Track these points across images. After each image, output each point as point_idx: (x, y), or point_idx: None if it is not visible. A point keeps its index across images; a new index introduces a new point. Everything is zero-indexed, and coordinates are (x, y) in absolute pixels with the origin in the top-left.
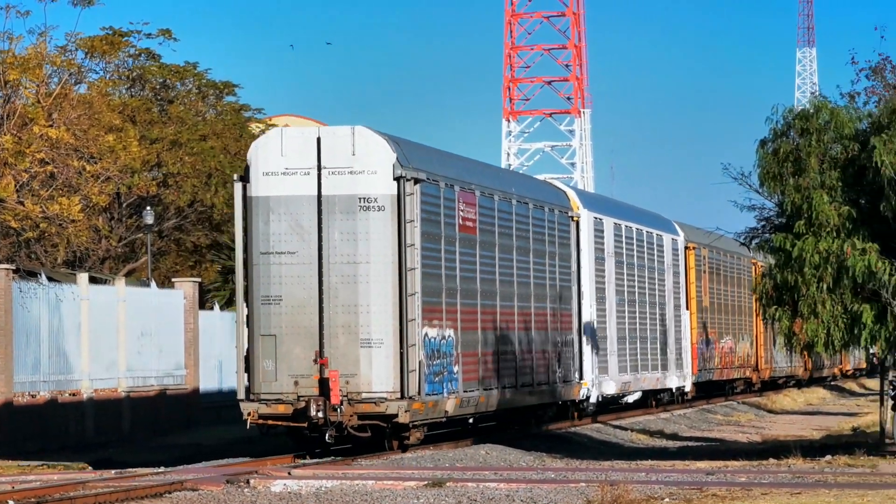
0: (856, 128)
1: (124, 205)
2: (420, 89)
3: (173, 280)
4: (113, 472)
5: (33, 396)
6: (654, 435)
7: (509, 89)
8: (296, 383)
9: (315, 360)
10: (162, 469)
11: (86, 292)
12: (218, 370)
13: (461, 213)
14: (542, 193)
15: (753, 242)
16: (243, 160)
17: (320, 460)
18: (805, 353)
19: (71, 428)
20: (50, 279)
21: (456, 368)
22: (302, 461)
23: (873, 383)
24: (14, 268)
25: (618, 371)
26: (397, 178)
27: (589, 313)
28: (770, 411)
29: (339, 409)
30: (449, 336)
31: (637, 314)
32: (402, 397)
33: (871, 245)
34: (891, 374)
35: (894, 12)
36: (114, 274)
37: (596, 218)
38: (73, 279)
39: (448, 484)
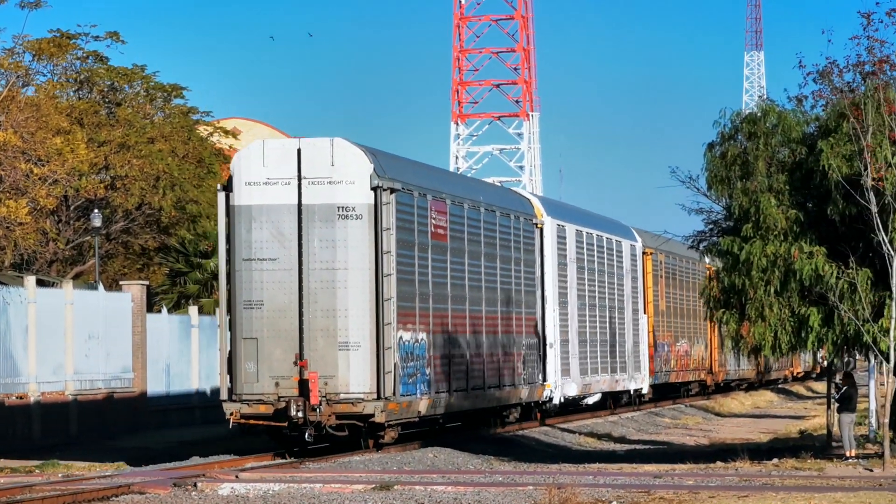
0: (803, 131)
1: (72, 207)
2: (369, 92)
3: (121, 283)
4: (60, 475)
5: None
6: (602, 438)
7: (458, 92)
8: (276, 384)
9: (295, 363)
10: (109, 472)
11: (33, 295)
12: (165, 373)
13: (433, 221)
14: (508, 201)
15: (701, 246)
16: (192, 163)
17: (269, 463)
18: (758, 356)
19: (18, 431)
20: None
21: (428, 370)
22: (250, 465)
23: (820, 386)
24: None
25: (579, 373)
26: (374, 188)
27: (552, 317)
28: (718, 414)
29: (318, 410)
30: (422, 339)
31: (597, 318)
32: (379, 398)
33: (819, 248)
34: (837, 377)
35: (841, 16)
36: (61, 277)
37: (559, 225)
38: (20, 282)
39: (396, 487)
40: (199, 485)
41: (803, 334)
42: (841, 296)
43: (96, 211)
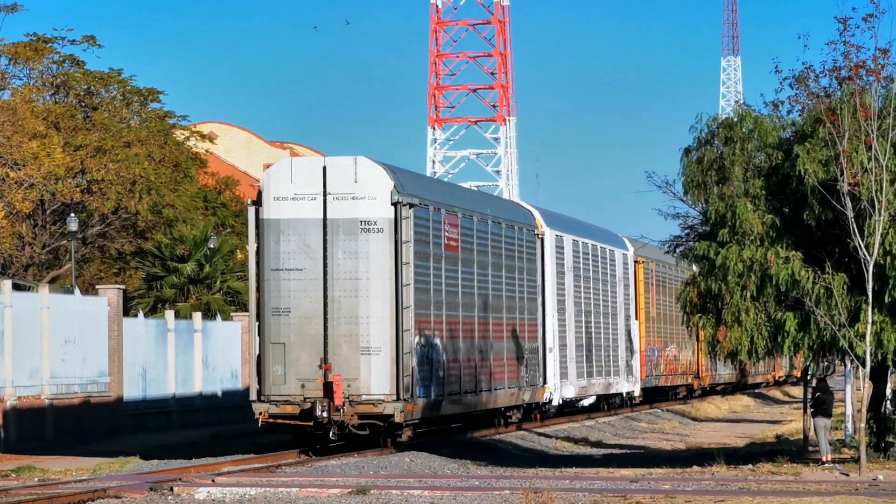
0: (779, 136)
1: (48, 211)
2: (345, 95)
3: (97, 287)
4: (36, 479)
5: None
6: (578, 442)
7: (434, 97)
8: (302, 386)
9: (320, 366)
10: (85, 476)
11: (9, 299)
12: (142, 377)
13: (446, 233)
14: (511, 213)
15: (677, 251)
16: (168, 167)
17: (246, 467)
18: (734, 360)
19: None
20: None
21: (442, 373)
22: (226, 469)
23: (797, 391)
24: None
25: (576, 376)
26: (394, 203)
27: (552, 323)
28: (695, 419)
29: (341, 410)
30: (436, 344)
31: (593, 324)
32: (398, 399)
33: (795, 253)
34: (814, 382)
35: (817, 21)
36: (37, 281)
37: (557, 235)
38: None
39: (372, 491)
40: (175, 489)
41: (779, 339)
42: (817, 300)
43: (72, 215)
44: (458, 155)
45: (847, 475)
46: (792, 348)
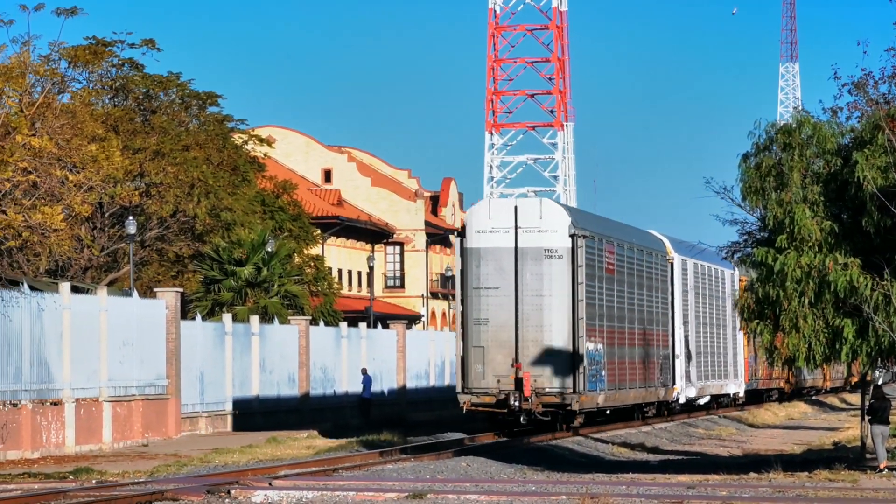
0: (838, 143)
1: (107, 214)
2: (404, 100)
3: (155, 290)
4: (94, 481)
5: (15, 405)
6: (634, 448)
7: (492, 102)
8: (498, 381)
9: (512, 365)
10: (143, 479)
11: (68, 301)
12: (199, 381)
13: (606, 259)
14: (649, 242)
15: (735, 256)
16: (226, 171)
17: (302, 470)
18: (824, 366)
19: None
20: (32, 288)
21: (604, 372)
22: (283, 472)
23: (854, 398)
24: None
25: (696, 379)
26: (571, 236)
27: (679, 334)
28: (751, 425)
29: (529, 400)
30: (599, 349)
31: (708, 334)
32: (574, 392)
33: (853, 260)
34: (871, 389)
35: (876, 27)
36: (96, 283)
37: (683, 260)
38: (55, 288)
39: (429, 496)
40: (232, 492)
41: (837, 346)
42: (875, 307)
43: (131, 218)
44: (516, 160)
45: None
46: (850, 355)
